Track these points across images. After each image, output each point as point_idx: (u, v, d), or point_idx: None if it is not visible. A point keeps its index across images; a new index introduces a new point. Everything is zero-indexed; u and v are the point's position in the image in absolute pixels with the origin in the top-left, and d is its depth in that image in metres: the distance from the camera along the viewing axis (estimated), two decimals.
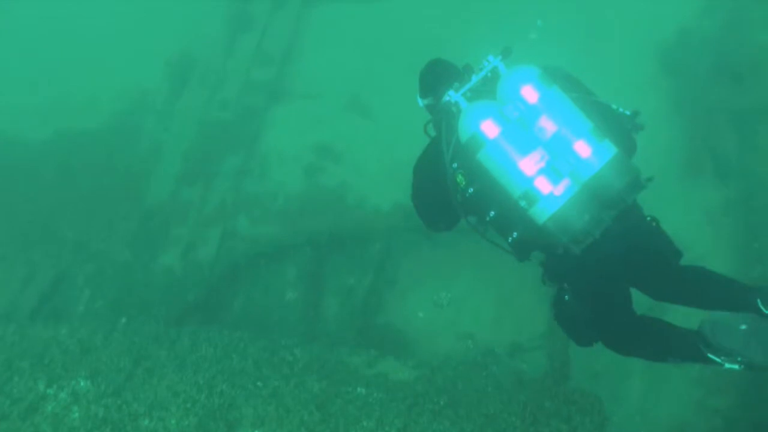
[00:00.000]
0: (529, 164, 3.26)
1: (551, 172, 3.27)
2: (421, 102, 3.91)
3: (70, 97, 7.92)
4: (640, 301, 3.86)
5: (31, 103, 7.94)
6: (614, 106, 3.57)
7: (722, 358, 3.47)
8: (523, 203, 3.29)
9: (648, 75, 7.03)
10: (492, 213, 3.48)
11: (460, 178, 3.49)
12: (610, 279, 3.62)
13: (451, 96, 3.52)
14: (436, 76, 3.81)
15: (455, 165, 3.50)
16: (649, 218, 3.65)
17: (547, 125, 3.30)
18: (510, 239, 3.51)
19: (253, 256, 6.88)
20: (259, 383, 4.59)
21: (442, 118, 3.59)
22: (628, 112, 3.56)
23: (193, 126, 7.69)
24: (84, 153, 7.60)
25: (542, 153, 3.29)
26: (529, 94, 3.33)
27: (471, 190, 3.47)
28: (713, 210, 6.40)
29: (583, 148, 3.27)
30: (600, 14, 7.41)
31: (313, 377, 4.74)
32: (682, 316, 3.90)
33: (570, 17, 7.33)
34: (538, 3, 7.39)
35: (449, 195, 3.56)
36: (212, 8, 8.25)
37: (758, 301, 3.50)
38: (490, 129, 3.30)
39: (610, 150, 3.30)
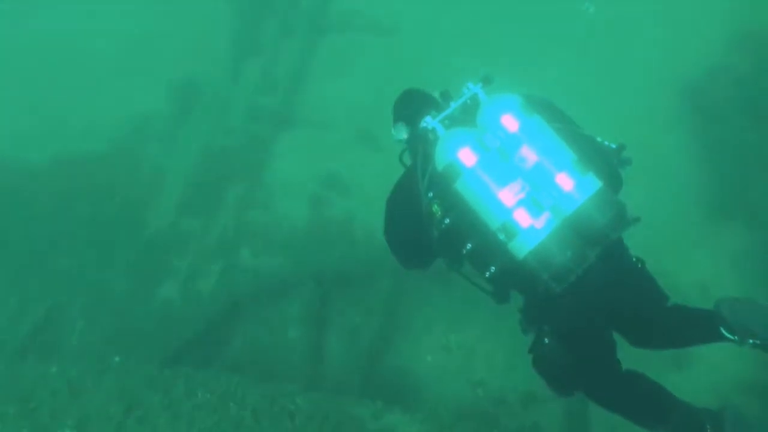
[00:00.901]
0: (509, 195, 3.15)
1: (532, 204, 3.15)
2: (395, 134, 3.76)
3: (70, 121, 7.68)
4: None
5: (31, 126, 7.72)
6: (599, 139, 3.45)
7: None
8: (501, 236, 3.16)
9: (675, 114, 6.75)
10: (469, 246, 3.32)
11: (435, 207, 3.35)
12: (593, 321, 3.40)
13: (428, 122, 3.39)
14: (412, 105, 3.70)
15: (431, 194, 3.36)
16: (635, 259, 3.46)
17: (528, 155, 3.19)
18: (487, 274, 3.33)
19: (255, 290, 6.60)
20: None
21: (419, 145, 3.48)
22: (614, 146, 3.42)
23: (196, 153, 7.48)
24: (83, 179, 7.35)
25: (522, 184, 3.17)
26: (510, 122, 3.23)
27: (447, 220, 3.33)
28: (739, 255, 6.10)
29: (565, 181, 3.15)
30: (624, 49, 7.16)
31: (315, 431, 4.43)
32: None
33: (593, 52, 7.09)
34: (557, 38, 7.16)
35: (424, 227, 3.41)
36: (218, 33, 8.06)
37: (721, 328, 3.37)
38: (468, 157, 3.19)
39: (594, 184, 3.18)
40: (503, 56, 7.00)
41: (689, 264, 6.02)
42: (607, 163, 3.40)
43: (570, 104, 3.63)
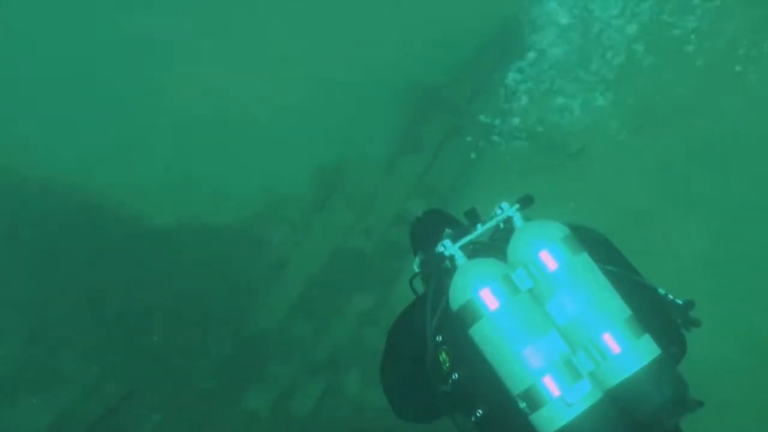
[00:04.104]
0: (538, 353, 2.50)
1: (566, 368, 2.49)
2: (415, 266, 3.17)
3: (204, 187, 7.12)
4: None
5: (163, 184, 7.17)
6: (663, 291, 2.79)
7: None
8: (523, 405, 2.49)
9: None
10: (480, 412, 2.63)
11: (443, 356, 2.71)
12: None
13: (446, 247, 2.74)
14: (430, 227, 3.12)
15: (439, 338, 2.72)
16: None
17: (568, 304, 2.56)
18: None
19: (355, 425, 5.72)
20: None
21: (432, 274, 2.84)
22: (680, 302, 2.75)
23: (326, 250, 6.67)
24: (200, 253, 6.68)
25: (557, 340, 2.53)
26: (549, 259, 2.60)
27: (455, 375, 2.68)
28: None
29: (612, 343, 2.50)
30: None
31: None
32: None
33: None
34: None
35: (428, 378, 2.74)
36: (381, 121, 7.30)
37: None
38: (490, 298, 2.54)
39: (651, 350, 2.52)
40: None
41: None
42: (670, 324, 2.75)
43: None
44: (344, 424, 5.71)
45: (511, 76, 7.39)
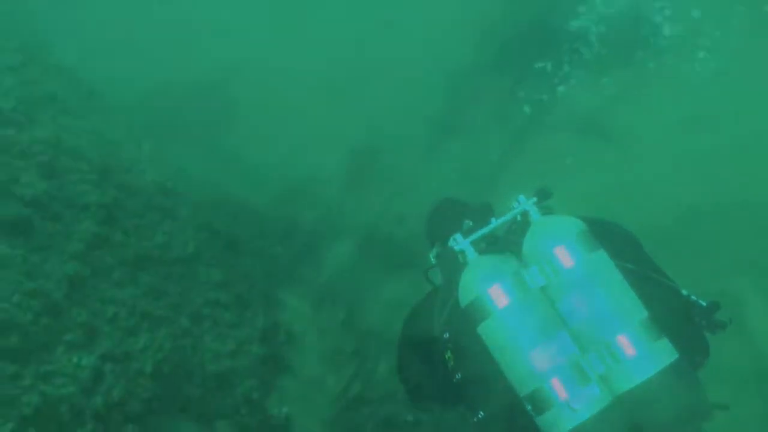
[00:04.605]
0: (546, 355, 2.47)
1: (575, 371, 2.46)
2: (431, 257, 3.15)
3: (240, 160, 7.16)
4: None
5: (202, 160, 7.12)
6: (685, 292, 2.72)
7: None
8: (529, 407, 2.49)
9: None
10: (481, 413, 2.64)
11: (449, 354, 2.73)
12: None
13: (458, 241, 2.73)
14: (447, 217, 3.08)
15: (447, 335, 2.73)
16: None
17: (581, 305, 2.52)
18: None
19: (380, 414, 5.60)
20: None
21: (444, 268, 2.85)
22: (703, 303, 2.67)
23: (359, 234, 6.61)
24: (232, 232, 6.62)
25: (566, 342, 2.50)
26: (565, 256, 2.55)
27: (459, 375, 2.71)
28: None
29: (626, 345, 2.45)
30: None
31: None
32: None
33: None
34: None
35: (435, 373, 2.80)
36: (416, 108, 7.27)
37: None
38: (500, 295, 2.53)
39: (667, 354, 2.46)
40: None
41: None
42: (691, 326, 2.67)
43: None
44: (370, 413, 5.63)
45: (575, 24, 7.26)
